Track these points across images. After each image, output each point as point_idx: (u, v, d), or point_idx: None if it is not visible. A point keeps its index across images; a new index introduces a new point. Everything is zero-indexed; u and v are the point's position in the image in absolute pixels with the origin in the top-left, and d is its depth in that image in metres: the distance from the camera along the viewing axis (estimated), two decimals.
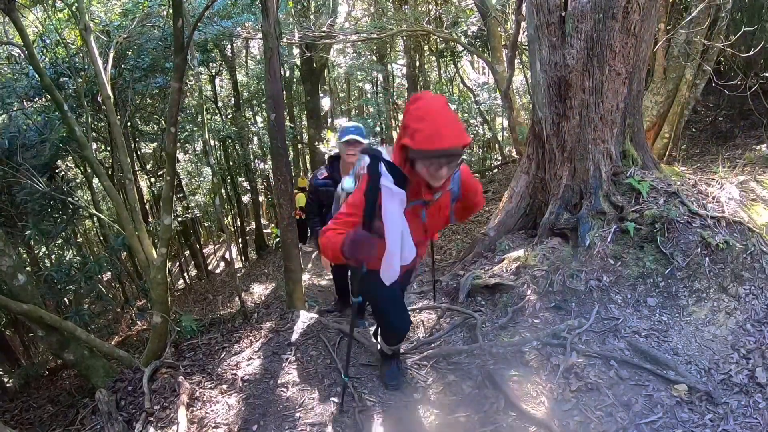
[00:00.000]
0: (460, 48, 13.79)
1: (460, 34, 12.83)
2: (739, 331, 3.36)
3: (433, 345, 3.94)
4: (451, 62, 16.20)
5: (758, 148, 7.61)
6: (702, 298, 3.58)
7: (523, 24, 7.30)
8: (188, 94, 12.28)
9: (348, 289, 5.09)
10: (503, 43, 10.45)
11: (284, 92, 14.75)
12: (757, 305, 3.47)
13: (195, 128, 12.98)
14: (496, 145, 15.13)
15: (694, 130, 9.67)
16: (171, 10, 4.37)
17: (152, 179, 13.66)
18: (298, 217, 10.66)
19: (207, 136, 8.33)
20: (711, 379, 3.07)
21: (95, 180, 9.80)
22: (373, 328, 4.11)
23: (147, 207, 13.18)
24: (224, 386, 3.66)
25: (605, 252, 4.05)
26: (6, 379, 8.18)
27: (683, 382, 3.00)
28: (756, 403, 2.85)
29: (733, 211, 4.04)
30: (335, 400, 3.29)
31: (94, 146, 10.11)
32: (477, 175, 13.97)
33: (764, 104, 7.77)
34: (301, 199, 11.08)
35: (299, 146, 18.71)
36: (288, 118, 16.57)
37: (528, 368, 3.35)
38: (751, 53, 6.81)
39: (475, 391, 3.27)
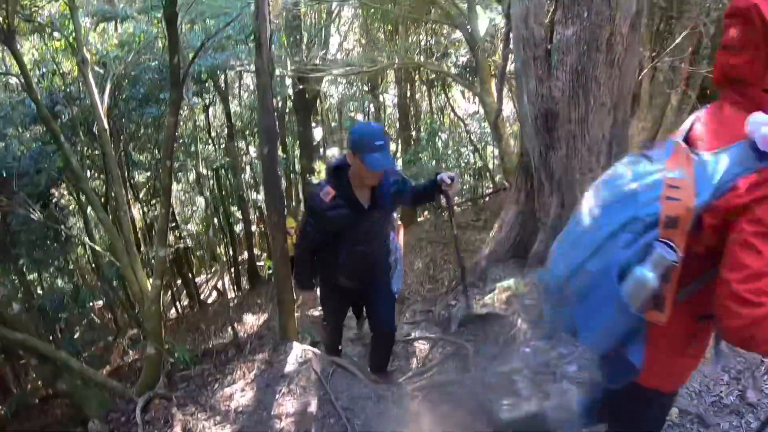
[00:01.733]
0: (451, 79, 14.01)
1: (450, 65, 13.06)
2: (728, 352, 3.39)
3: (426, 375, 3.95)
4: (442, 92, 16.43)
5: None
6: None
7: (511, 56, 7.47)
8: (182, 123, 12.37)
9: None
10: (492, 73, 10.64)
11: (277, 123, 14.88)
12: None
13: (188, 158, 13.04)
14: (488, 174, 15.27)
15: None
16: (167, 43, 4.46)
17: (145, 208, 13.66)
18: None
19: (200, 167, 8.38)
20: (702, 402, 3.09)
21: (89, 208, 9.82)
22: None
23: (140, 235, 13.13)
24: (217, 417, 3.64)
25: None
26: None
27: (674, 406, 3.02)
28: (748, 424, 2.86)
29: None
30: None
31: (88, 174, 10.15)
32: (469, 203, 14.09)
33: None
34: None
35: (291, 176, 18.79)
36: (281, 148, 16.66)
37: (520, 397, 3.36)
38: None
39: (468, 420, 3.28)
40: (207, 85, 12.59)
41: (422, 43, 14.69)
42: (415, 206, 3.32)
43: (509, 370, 3.62)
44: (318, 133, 18.68)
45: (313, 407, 3.60)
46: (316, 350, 4.53)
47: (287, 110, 16.88)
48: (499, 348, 3.95)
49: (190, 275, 16.24)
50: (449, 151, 14.27)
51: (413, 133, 16.02)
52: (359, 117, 19.43)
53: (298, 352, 4.40)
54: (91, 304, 8.18)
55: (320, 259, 3.46)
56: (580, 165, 4.50)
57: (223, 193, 16.21)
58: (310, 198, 3.03)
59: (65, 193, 10.32)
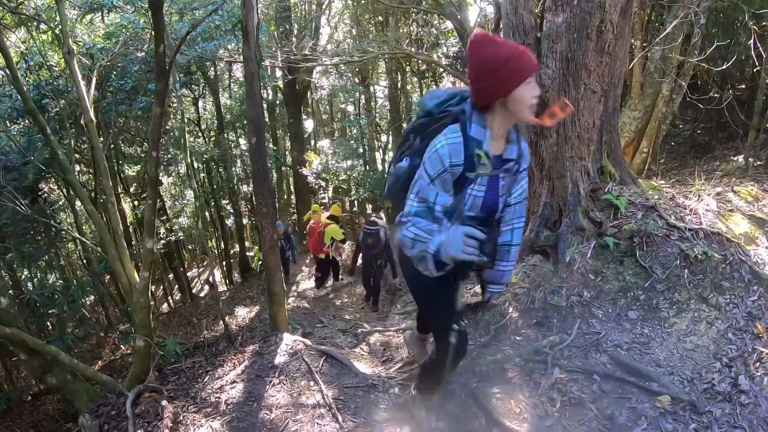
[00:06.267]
0: (441, 69, 13.98)
1: (440, 56, 13.02)
2: (720, 339, 3.39)
3: (416, 365, 3.94)
4: (433, 83, 16.40)
5: (735, 158, 7.76)
6: (683, 309, 3.62)
7: None
8: (171, 116, 12.29)
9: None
10: None
11: (267, 114, 14.77)
12: (738, 314, 3.50)
13: (178, 151, 12.95)
14: None
15: (673, 143, 9.83)
16: (153, 32, 4.40)
17: (135, 202, 13.57)
18: (323, 255, 9.83)
19: (189, 159, 8.31)
20: (694, 389, 3.09)
21: (78, 202, 9.76)
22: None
23: (131, 230, 13.06)
24: (208, 410, 3.62)
25: (585, 268, 4.09)
26: None
27: (666, 393, 3.02)
28: (740, 410, 2.87)
29: (710, 222, 4.12)
30: (319, 422, 3.27)
31: (77, 168, 10.06)
32: None
33: (740, 116, 7.92)
34: (336, 232, 9.55)
35: (283, 169, 18.73)
36: (271, 140, 16.56)
37: (511, 385, 3.36)
38: (725, 66, 6.97)
39: (459, 409, 3.27)
40: (196, 76, 12.48)
41: (412, 33, 14.63)
42: None
43: (500, 358, 3.62)
44: (309, 125, 18.60)
45: (303, 398, 3.58)
46: (306, 341, 4.52)
47: (277, 102, 16.79)
48: (490, 337, 3.94)
49: (181, 269, 16.18)
50: None
51: (404, 124, 16.00)
52: (350, 108, 19.35)
53: (289, 343, 4.39)
54: (82, 299, 8.12)
55: None
56: (570, 153, 4.48)
57: (214, 185, 16.14)
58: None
59: (54, 187, 10.24)
